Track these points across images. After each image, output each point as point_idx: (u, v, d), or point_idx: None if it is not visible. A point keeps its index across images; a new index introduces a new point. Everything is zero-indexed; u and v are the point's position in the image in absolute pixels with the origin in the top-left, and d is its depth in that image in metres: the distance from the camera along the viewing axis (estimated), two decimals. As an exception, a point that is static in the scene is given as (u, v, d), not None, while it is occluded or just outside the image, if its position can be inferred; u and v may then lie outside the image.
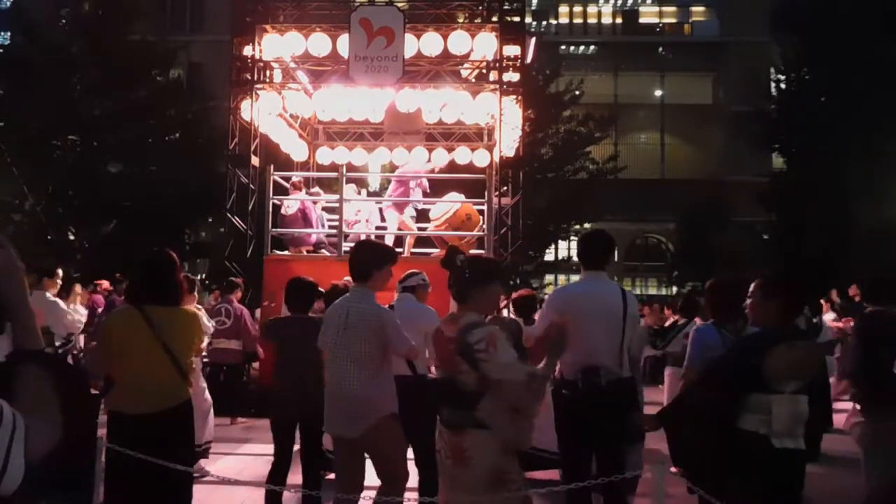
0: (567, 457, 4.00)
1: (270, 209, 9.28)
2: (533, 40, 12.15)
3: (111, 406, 3.49)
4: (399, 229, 9.83)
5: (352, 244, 10.01)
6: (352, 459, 3.86)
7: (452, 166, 11.33)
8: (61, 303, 7.06)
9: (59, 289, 7.25)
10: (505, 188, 9.92)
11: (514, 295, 6.78)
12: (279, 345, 4.66)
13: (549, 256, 24.66)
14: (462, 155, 11.45)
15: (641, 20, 32.98)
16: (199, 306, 6.69)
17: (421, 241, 10.37)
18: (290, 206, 9.58)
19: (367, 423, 3.70)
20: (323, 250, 9.75)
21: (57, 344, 6.66)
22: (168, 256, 3.62)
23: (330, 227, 9.98)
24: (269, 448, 4.57)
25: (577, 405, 3.78)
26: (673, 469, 3.54)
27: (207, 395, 6.28)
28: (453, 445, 2.95)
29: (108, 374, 3.55)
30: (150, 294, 3.50)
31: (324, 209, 10.42)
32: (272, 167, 9.56)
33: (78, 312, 7.46)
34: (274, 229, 9.35)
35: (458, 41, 9.29)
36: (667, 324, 8.02)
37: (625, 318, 3.85)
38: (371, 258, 3.96)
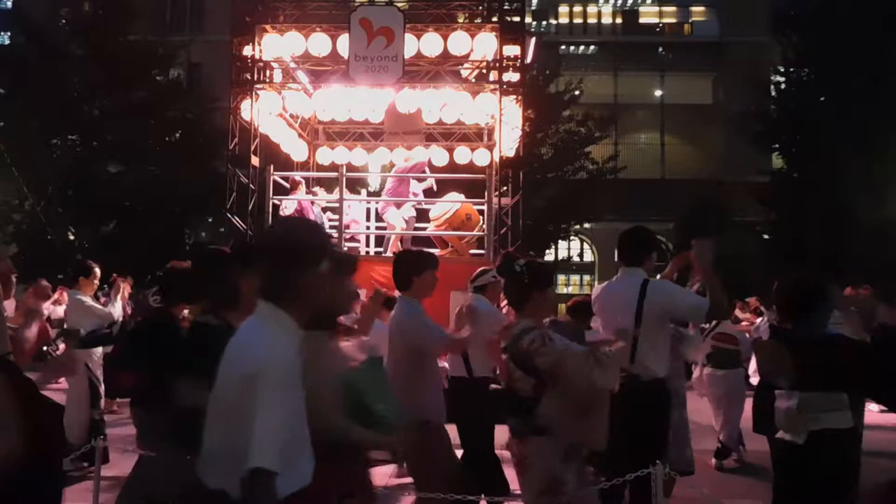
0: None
1: (270, 209, 9.28)
2: (533, 40, 12.13)
3: None
4: (400, 229, 9.84)
5: (350, 244, 10.06)
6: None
7: (452, 166, 11.33)
8: (88, 300, 6.86)
9: (96, 287, 7.19)
10: (505, 188, 9.91)
11: (570, 301, 6.72)
12: None
13: (550, 256, 24.65)
14: (462, 155, 11.45)
15: (641, 20, 32.97)
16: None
17: (421, 241, 10.37)
18: (287, 206, 9.59)
19: None
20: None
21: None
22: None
23: (330, 227, 9.97)
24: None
25: None
26: None
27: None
28: (518, 454, 2.99)
29: None
30: None
31: (323, 209, 10.43)
32: (272, 167, 9.56)
33: (114, 308, 7.13)
34: (274, 229, 9.36)
35: (458, 41, 9.28)
36: None
37: (640, 313, 3.80)
38: (409, 266, 3.99)
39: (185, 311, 3.99)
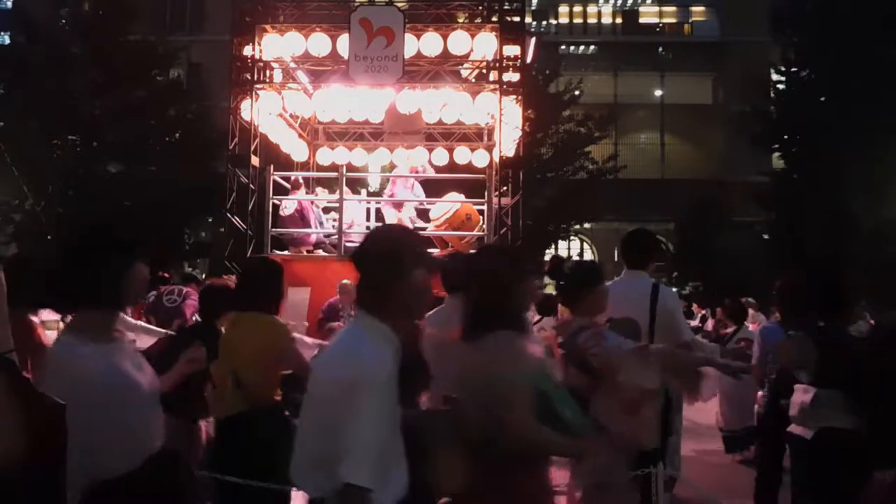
0: None
1: (270, 209, 9.28)
2: (533, 40, 12.13)
3: None
4: (399, 229, 9.84)
5: (350, 244, 10.05)
6: None
7: (452, 166, 11.33)
8: (133, 322, 6.76)
9: None
10: (505, 188, 9.91)
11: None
12: None
13: (549, 256, 24.67)
14: (462, 155, 11.45)
15: (641, 20, 32.99)
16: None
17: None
18: (287, 206, 9.58)
19: None
20: (320, 250, 9.75)
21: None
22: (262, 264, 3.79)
23: (331, 227, 9.98)
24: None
25: None
26: None
27: None
28: None
29: None
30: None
31: (324, 209, 10.43)
32: (272, 167, 9.56)
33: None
34: (274, 229, 9.35)
35: (458, 41, 9.28)
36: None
37: (654, 314, 3.87)
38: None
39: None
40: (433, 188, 10.64)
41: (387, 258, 2.07)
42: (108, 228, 2.26)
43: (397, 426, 2.02)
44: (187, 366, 3.07)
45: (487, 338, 2.38)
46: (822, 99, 19.00)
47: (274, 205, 9.43)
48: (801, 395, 3.46)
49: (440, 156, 11.32)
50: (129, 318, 6.55)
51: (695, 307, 17.21)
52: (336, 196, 9.49)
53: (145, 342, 6.32)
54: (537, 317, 6.79)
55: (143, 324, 6.53)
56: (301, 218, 9.60)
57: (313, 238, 9.84)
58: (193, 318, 6.31)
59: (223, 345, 3.62)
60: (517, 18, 9.86)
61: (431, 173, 10.54)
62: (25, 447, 1.33)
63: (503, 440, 2.23)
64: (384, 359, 1.96)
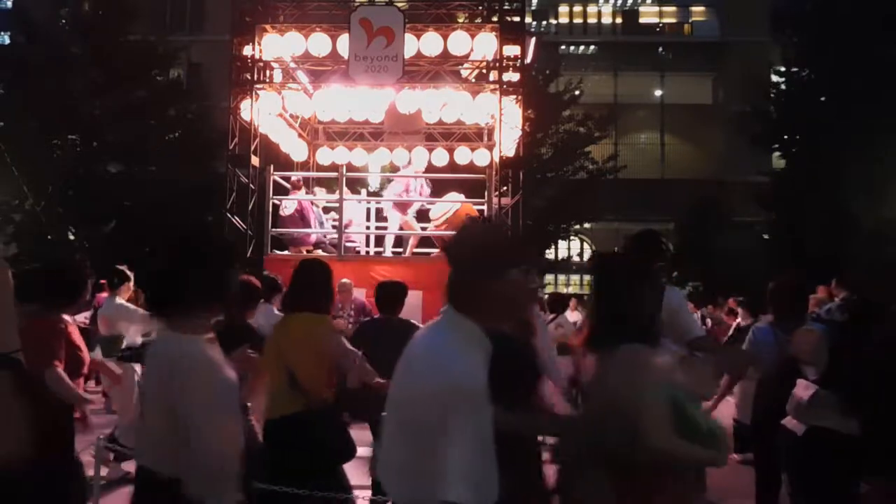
0: None
1: (270, 209, 9.28)
2: (533, 40, 12.13)
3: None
4: (401, 229, 9.84)
5: (349, 244, 10.06)
6: None
7: (452, 166, 11.33)
8: (132, 305, 6.65)
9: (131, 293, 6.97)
10: (505, 188, 9.91)
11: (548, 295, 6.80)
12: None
13: (549, 256, 24.67)
14: (462, 155, 11.45)
15: (641, 20, 33.00)
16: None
17: (421, 241, 10.38)
18: (287, 206, 9.59)
19: None
20: (319, 250, 9.76)
21: (123, 346, 6.40)
22: (312, 265, 3.76)
23: (331, 226, 9.98)
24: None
25: None
26: None
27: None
28: None
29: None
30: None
31: (324, 209, 10.43)
32: (272, 167, 9.56)
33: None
34: (274, 229, 9.36)
35: (458, 41, 9.28)
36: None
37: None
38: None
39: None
40: (433, 188, 10.63)
41: (486, 255, 1.96)
42: (210, 233, 2.38)
43: (491, 435, 1.90)
44: (239, 366, 3.05)
45: (623, 350, 2.33)
46: (822, 99, 18.99)
47: (274, 205, 9.44)
48: (802, 390, 3.50)
49: (440, 156, 11.32)
50: (130, 306, 6.58)
51: (690, 307, 17.20)
52: (336, 196, 9.49)
53: (133, 328, 6.40)
54: (551, 315, 6.80)
55: (138, 309, 6.58)
56: (301, 218, 9.60)
57: (313, 238, 9.84)
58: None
59: (275, 344, 3.58)
60: (517, 18, 9.86)
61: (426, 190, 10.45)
62: (32, 445, 1.33)
63: (641, 452, 2.20)
64: (477, 367, 1.85)
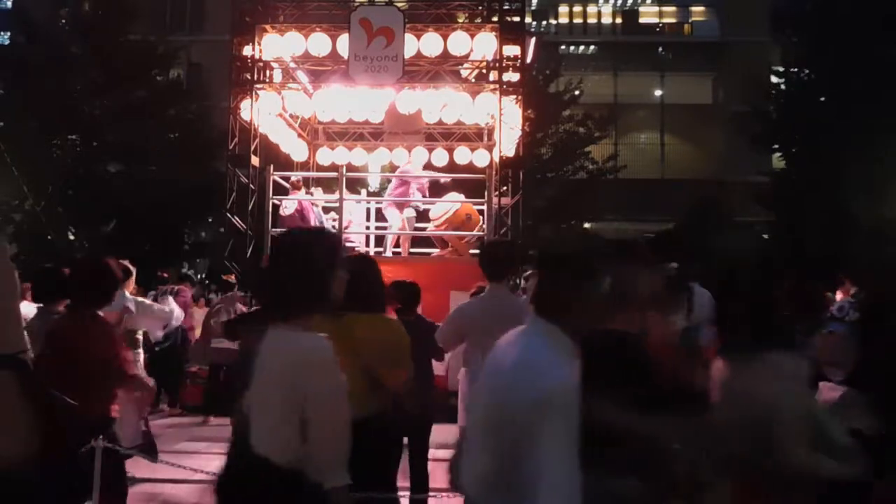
0: None
1: (270, 209, 9.29)
2: (533, 40, 12.13)
3: None
4: (400, 229, 9.84)
5: (348, 244, 10.06)
6: None
7: (452, 166, 11.33)
8: (146, 300, 6.67)
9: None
10: (505, 188, 9.92)
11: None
12: None
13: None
14: (462, 155, 11.46)
15: (641, 20, 32.96)
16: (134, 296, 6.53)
17: (421, 241, 10.38)
18: (287, 206, 9.59)
19: None
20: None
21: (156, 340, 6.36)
22: (372, 263, 3.61)
23: (331, 226, 9.98)
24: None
25: None
26: None
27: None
28: None
29: None
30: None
31: (324, 209, 10.43)
32: (272, 167, 9.57)
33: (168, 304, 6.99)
34: (274, 229, 9.36)
35: (458, 41, 9.29)
36: None
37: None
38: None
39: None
40: (433, 188, 10.64)
41: (580, 261, 1.94)
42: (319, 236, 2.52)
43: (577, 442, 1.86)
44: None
45: (766, 358, 2.27)
46: (822, 99, 18.98)
47: (274, 205, 9.44)
48: (828, 392, 3.48)
49: (440, 156, 11.32)
50: (145, 300, 6.56)
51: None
52: (336, 196, 9.50)
53: (147, 322, 6.36)
54: None
55: (153, 303, 6.56)
56: (301, 218, 9.61)
57: (313, 238, 9.83)
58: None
59: (346, 343, 3.47)
60: (517, 18, 9.87)
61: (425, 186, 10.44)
62: (37, 445, 1.33)
63: (777, 465, 2.17)
64: (572, 375, 1.83)
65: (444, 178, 10.83)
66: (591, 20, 32.89)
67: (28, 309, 5.82)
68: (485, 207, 9.13)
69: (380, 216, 10.90)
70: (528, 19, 21.71)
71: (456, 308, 4.41)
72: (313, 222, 9.78)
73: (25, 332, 4.93)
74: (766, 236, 21.38)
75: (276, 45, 9.65)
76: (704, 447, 2.33)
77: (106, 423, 3.61)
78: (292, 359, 2.13)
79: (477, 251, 9.48)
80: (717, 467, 2.25)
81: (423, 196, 10.07)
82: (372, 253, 10.40)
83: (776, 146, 21.10)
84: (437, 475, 5.77)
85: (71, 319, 3.71)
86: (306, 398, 2.07)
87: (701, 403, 2.42)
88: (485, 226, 9.10)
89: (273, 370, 2.17)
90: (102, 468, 3.47)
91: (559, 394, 1.75)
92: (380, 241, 10.58)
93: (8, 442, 1.32)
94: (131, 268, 6.68)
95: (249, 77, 9.64)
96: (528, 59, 10.93)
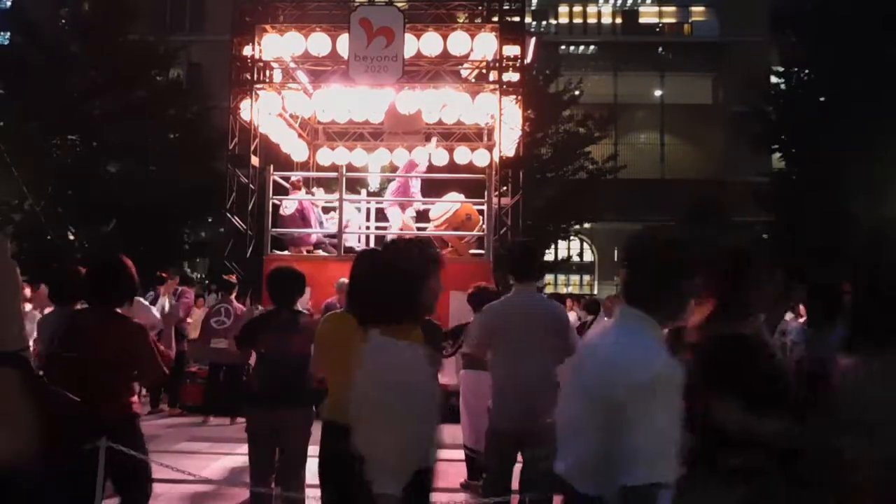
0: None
1: (270, 209, 9.28)
2: (533, 40, 12.14)
3: (325, 415, 3.38)
4: (401, 229, 9.84)
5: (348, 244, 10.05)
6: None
7: (452, 166, 11.34)
8: (144, 301, 6.65)
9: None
10: (505, 188, 9.92)
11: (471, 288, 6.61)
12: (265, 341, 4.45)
13: (549, 256, 24.65)
14: (462, 155, 11.46)
15: (641, 20, 32.96)
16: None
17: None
18: (287, 206, 9.58)
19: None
20: (320, 250, 9.75)
21: None
22: None
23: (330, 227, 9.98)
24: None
25: None
26: None
27: None
28: None
29: (321, 381, 3.51)
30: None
31: (323, 209, 10.43)
32: (272, 167, 9.57)
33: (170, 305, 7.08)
34: (274, 229, 9.36)
35: (458, 41, 9.29)
36: None
37: (560, 327, 4.05)
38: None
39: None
40: (433, 188, 10.63)
41: (677, 259, 2.04)
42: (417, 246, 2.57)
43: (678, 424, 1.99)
44: None
45: None
46: (822, 99, 18.98)
47: (274, 205, 9.43)
48: None
49: (440, 156, 11.32)
50: (144, 302, 6.54)
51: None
52: (335, 196, 9.49)
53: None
54: (591, 316, 6.78)
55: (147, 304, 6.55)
56: (302, 218, 9.60)
57: (314, 238, 9.84)
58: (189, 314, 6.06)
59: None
60: (517, 18, 9.88)
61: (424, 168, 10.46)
62: (39, 444, 1.33)
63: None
64: (674, 362, 1.96)
65: (440, 177, 10.82)
66: (591, 20, 32.89)
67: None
68: (485, 207, 9.12)
69: (380, 216, 10.90)
70: (528, 19, 21.72)
71: (486, 308, 4.38)
72: (314, 223, 9.78)
73: (36, 331, 4.90)
74: (766, 236, 21.37)
75: (276, 45, 9.65)
76: (812, 446, 2.37)
77: (125, 419, 3.58)
78: (389, 368, 2.22)
79: (478, 251, 9.49)
80: (818, 467, 2.30)
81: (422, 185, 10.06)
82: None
83: (776, 146, 21.10)
84: (438, 475, 5.78)
85: (89, 317, 3.71)
86: (409, 407, 2.16)
87: (827, 405, 2.44)
88: (485, 226, 9.10)
89: (378, 379, 2.26)
90: (122, 468, 3.45)
91: (665, 377, 1.87)
92: (380, 241, 10.58)
93: (8, 440, 1.31)
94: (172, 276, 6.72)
95: (249, 77, 9.64)
96: (528, 59, 10.94)
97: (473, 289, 5.64)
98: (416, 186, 10.17)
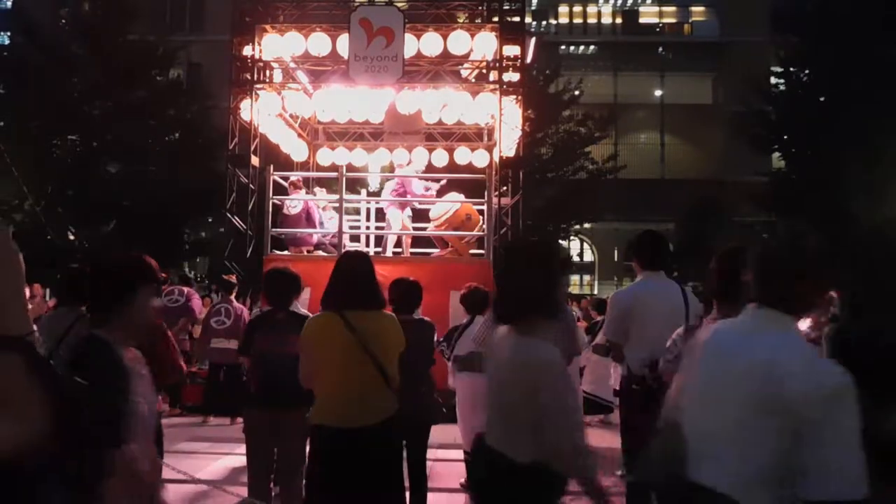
0: (634, 448, 4.04)
1: (270, 209, 9.28)
2: (533, 40, 12.14)
3: (315, 420, 3.33)
4: (401, 229, 9.84)
5: (350, 245, 10.05)
6: None
7: (452, 166, 11.34)
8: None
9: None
10: (505, 188, 9.92)
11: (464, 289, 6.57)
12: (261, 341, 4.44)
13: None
14: (462, 155, 11.46)
15: (641, 20, 32.96)
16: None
17: (421, 241, 10.38)
18: (294, 205, 9.57)
19: None
20: (320, 250, 9.75)
21: None
22: (366, 259, 3.55)
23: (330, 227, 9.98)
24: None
25: (646, 398, 3.85)
26: None
27: None
28: None
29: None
30: (352, 298, 3.35)
31: (323, 209, 10.43)
32: (272, 167, 9.57)
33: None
34: (274, 229, 9.35)
35: (458, 41, 9.29)
36: None
37: (687, 315, 3.98)
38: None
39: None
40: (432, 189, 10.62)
41: (814, 253, 2.09)
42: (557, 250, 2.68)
43: None
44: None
45: None
46: (822, 99, 18.99)
47: (275, 205, 9.43)
48: None
49: (440, 156, 11.32)
50: None
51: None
52: (336, 196, 9.49)
53: None
54: (601, 316, 6.75)
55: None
56: (307, 217, 9.61)
57: (315, 238, 9.85)
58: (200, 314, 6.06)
59: (352, 339, 3.33)
60: (517, 18, 9.88)
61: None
62: (46, 429, 1.32)
63: None
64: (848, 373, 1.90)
65: (439, 177, 10.81)
66: (591, 20, 32.89)
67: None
68: (485, 207, 9.12)
69: (379, 216, 10.89)
70: (528, 19, 21.73)
71: (613, 298, 4.42)
72: (317, 223, 9.78)
73: (40, 331, 4.89)
74: (766, 236, 21.37)
75: (276, 45, 9.65)
76: None
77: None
78: (532, 366, 2.29)
79: (478, 251, 9.49)
80: None
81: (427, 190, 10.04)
82: (372, 253, 10.42)
83: (776, 146, 21.11)
84: (438, 475, 5.78)
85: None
86: (546, 400, 2.23)
87: None
88: (485, 226, 9.10)
89: (513, 376, 2.33)
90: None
91: (847, 383, 1.82)
92: (380, 240, 10.58)
93: (15, 426, 1.30)
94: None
95: (249, 77, 9.64)
96: (528, 59, 10.94)
97: (466, 289, 5.65)
98: (415, 188, 10.16)
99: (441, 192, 10.05)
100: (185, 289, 9.36)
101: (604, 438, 6.31)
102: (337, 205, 9.34)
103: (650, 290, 4.12)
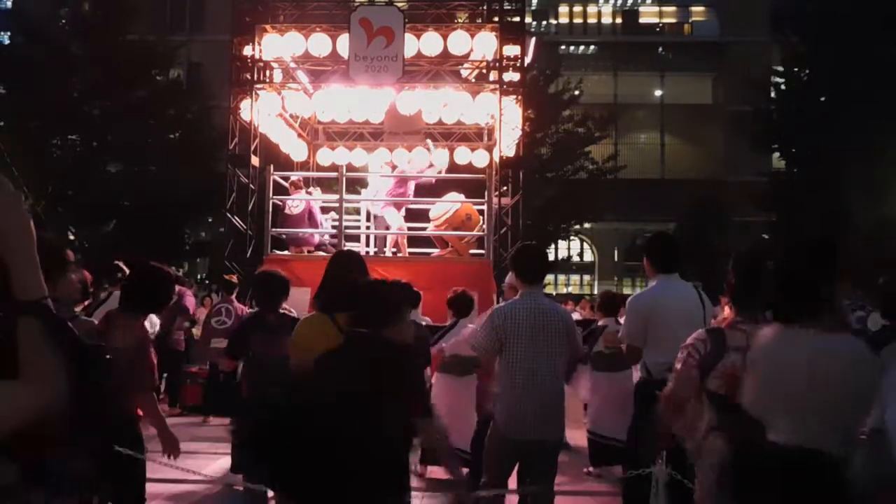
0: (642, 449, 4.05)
1: (270, 209, 9.28)
2: (533, 40, 12.14)
3: None
4: (398, 229, 9.84)
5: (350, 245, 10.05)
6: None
7: (452, 166, 11.33)
8: None
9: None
10: (505, 188, 9.92)
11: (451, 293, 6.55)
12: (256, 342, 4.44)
13: (549, 256, 24.66)
14: (462, 155, 11.45)
15: (641, 20, 32.97)
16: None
17: (421, 241, 10.38)
18: (296, 205, 9.56)
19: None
20: (320, 251, 9.75)
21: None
22: (358, 259, 3.54)
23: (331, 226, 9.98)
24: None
25: None
26: None
27: None
28: None
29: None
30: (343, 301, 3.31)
31: (323, 210, 10.43)
32: (272, 167, 9.56)
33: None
34: (274, 229, 9.35)
35: (458, 41, 9.28)
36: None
37: (705, 318, 4.00)
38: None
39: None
40: (433, 188, 10.62)
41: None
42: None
43: None
44: None
45: None
46: (822, 99, 18.99)
47: (275, 205, 9.43)
48: None
49: (440, 156, 11.31)
50: None
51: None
52: (336, 196, 9.49)
53: None
54: (603, 320, 6.69)
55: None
56: (310, 217, 9.61)
57: (317, 238, 9.85)
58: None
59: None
60: (517, 18, 9.88)
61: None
62: (67, 393, 1.31)
63: None
64: None
65: (439, 177, 10.80)
66: (591, 20, 32.90)
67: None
68: (485, 207, 9.12)
69: (374, 216, 10.87)
70: (528, 19, 21.70)
71: (632, 302, 4.42)
72: (319, 223, 9.78)
73: None
74: (766, 236, 21.38)
75: (276, 45, 9.65)
76: None
77: (126, 422, 3.57)
78: (864, 359, 2.38)
79: (478, 251, 9.49)
80: None
81: (418, 188, 10.04)
82: (371, 253, 10.42)
83: (776, 146, 21.12)
84: (436, 475, 5.78)
85: (119, 318, 3.74)
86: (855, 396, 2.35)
87: None
88: (485, 226, 9.10)
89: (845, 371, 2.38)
90: (119, 468, 3.44)
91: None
92: (378, 241, 10.58)
93: (36, 392, 1.29)
94: (125, 268, 6.71)
95: (249, 77, 9.64)
96: (528, 59, 10.94)
97: (452, 293, 5.64)
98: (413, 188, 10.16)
99: (436, 189, 10.07)
100: (178, 287, 9.35)
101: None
102: (331, 205, 9.35)
103: (668, 294, 4.11)
